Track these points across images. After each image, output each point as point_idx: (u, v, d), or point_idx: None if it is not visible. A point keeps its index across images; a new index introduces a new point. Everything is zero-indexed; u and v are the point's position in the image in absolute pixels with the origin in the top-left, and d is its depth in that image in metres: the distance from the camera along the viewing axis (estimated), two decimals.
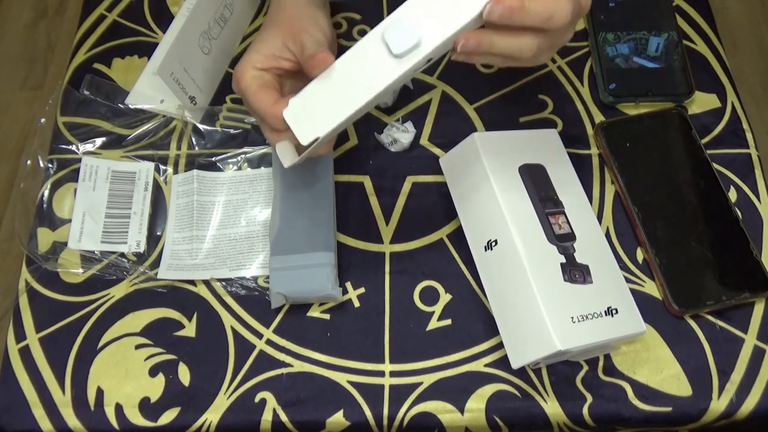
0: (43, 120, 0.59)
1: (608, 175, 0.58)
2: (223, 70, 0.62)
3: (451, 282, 0.54)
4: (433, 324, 0.53)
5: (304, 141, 0.44)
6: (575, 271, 0.48)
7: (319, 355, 0.52)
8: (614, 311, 0.48)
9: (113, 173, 0.57)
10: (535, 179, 0.52)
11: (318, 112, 0.44)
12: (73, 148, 0.59)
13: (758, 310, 0.53)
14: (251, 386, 0.50)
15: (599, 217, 0.56)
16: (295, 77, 0.51)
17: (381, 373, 0.51)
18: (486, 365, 0.51)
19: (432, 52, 0.42)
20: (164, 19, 0.65)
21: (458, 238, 0.55)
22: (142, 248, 0.55)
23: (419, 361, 0.51)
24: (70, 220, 0.56)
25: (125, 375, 0.51)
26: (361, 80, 0.43)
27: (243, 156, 0.59)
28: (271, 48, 0.49)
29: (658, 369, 0.51)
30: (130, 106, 0.60)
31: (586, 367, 0.51)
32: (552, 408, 0.50)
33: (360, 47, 0.43)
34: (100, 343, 0.52)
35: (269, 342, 0.52)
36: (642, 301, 0.51)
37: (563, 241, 0.49)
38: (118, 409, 0.50)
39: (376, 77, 0.43)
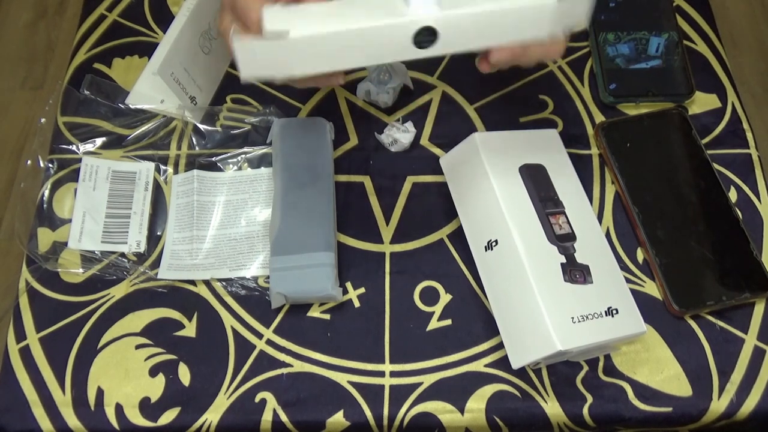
0: (43, 120, 0.59)
1: (608, 175, 0.58)
2: (223, 70, 0.62)
3: (451, 282, 0.54)
4: (433, 324, 0.53)
5: (269, 26, 0.39)
6: (575, 272, 0.48)
7: (319, 355, 0.52)
8: (614, 311, 0.48)
9: (113, 173, 0.57)
10: (536, 179, 0.52)
11: (302, 16, 0.40)
12: (73, 148, 0.59)
13: (758, 310, 0.53)
14: (251, 386, 0.50)
15: (599, 217, 0.56)
16: None
17: (381, 374, 0.51)
18: (486, 365, 0.51)
19: (440, 24, 0.41)
20: (164, 19, 0.65)
21: (458, 238, 0.55)
22: (142, 248, 0.55)
23: (419, 362, 0.51)
24: (70, 220, 0.56)
25: (125, 375, 0.51)
26: (364, 9, 0.40)
27: (243, 156, 0.59)
28: None
29: (659, 369, 0.51)
30: (131, 106, 0.60)
31: (586, 368, 0.51)
32: (552, 408, 0.50)
33: None
34: (100, 343, 0.52)
35: (269, 342, 0.52)
36: (642, 301, 0.51)
37: (563, 241, 0.49)
38: (118, 409, 0.50)
39: (382, 13, 0.40)
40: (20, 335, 0.52)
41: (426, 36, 0.41)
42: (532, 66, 0.48)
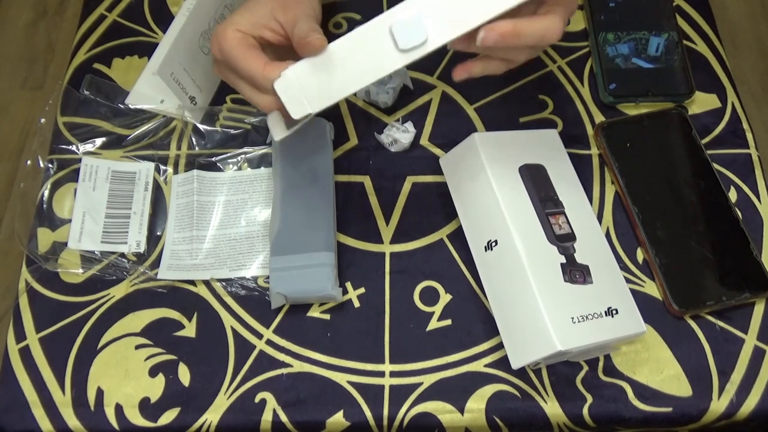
0: (43, 120, 0.59)
1: (608, 175, 0.58)
2: None
3: (451, 282, 0.54)
4: (433, 324, 0.53)
5: (296, 115, 0.45)
6: (575, 272, 0.48)
7: (319, 356, 0.52)
8: (614, 311, 0.48)
9: (113, 173, 0.57)
10: (536, 179, 0.52)
11: (312, 88, 0.44)
12: (73, 148, 0.59)
13: (758, 310, 0.53)
14: (251, 386, 0.50)
15: (599, 217, 0.56)
16: (276, 50, 0.49)
17: (381, 374, 0.51)
18: (486, 365, 0.51)
19: (434, 51, 0.43)
20: (164, 19, 0.65)
21: (458, 238, 0.55)
22: (142, 248, 0.55)
23: (419, 362, 0.51)
24: (70, 220, 0.56)
25: (125, 375, 0.51)
26: (362, 65, 0.44)
27: (243, 156, 0.59)
28: (257, 16, 0.47)
29: (658, 369, 0.51)
30: (130, 106, 0.60)
31: (586, 368, 0.51)
32: (552, 408, 0.50)
33: (363, 34, 0.44)
34: (100, 343, 0.52)
35: (269, 342, 0.52)
36: (642, 301, 0.51)
37: (563, 241, 0.49)
38: (118, 409, 0.50)
39: (378, 65, 0.44)
40: (20, 335, 0.52)
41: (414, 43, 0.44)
42: (528, 56, 0.46)
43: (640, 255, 0.55)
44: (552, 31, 0.43)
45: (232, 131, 0.59)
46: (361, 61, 0.44)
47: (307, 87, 0.44)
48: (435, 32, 0.43)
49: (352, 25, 0.64)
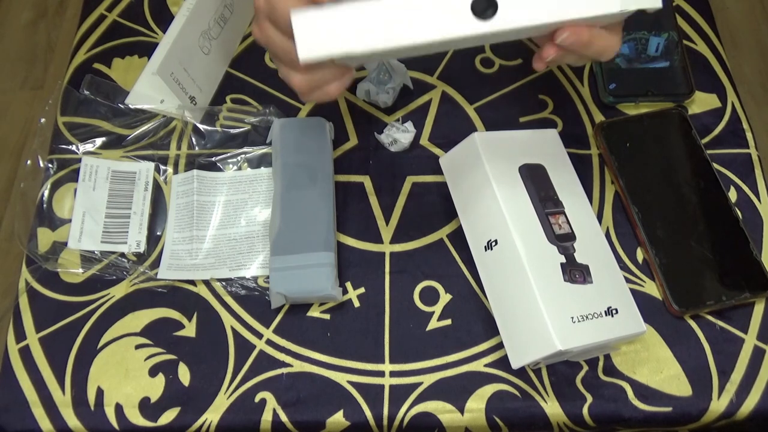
0: (43, 120, 0.59)
1: (608, 175, 0.58)
2: (223, 70, 0.62)
3: (451, 282, 0.54)
4: (433, 324, 0.53)
5: (303, 55, 0.37)
6: (575, 271, 0.48)
7: (319, 355, 0.52)
8: (614, 311, 0.48)
9: (113, 173, 0.58)
10: (535, 179, 0.52)
11: (340, 28, 0.37)
12: (73, 148, 0.59)
13: (758, 310, 0.53)
14: (251, 386, 0.50)
15: (599, 217, 0.56)
16: None
17: (381, 373, 0.51)
18: (486, 365, 0.51)
19: (508, 30, 0.38)
20: (164, 19, 0.65)
21: (458, 238, 0.55)
22: (142, 248, 0.55)
23: (419, 361, 0.51)
24: (70, 220, 0.56)
25: (125, 375, 0.51)
26: (422, 16, 0.37)
27: (243, 156, 0.59)
28: None
29: (658, 369, 0.51)
30: (130, 106, 0.60)
31: (586, 367, 0.51)
32: (552, 408, 0.50)
33: None
34: (100, 343, 0.52)
35: (269, 342, 0.52)
36: (642, 301, 0.51)
37: (563, 241, 0.49)
38: (118, 409, 0.50)
39: (445, 23, 0.37)
40: (20, 335, 0.52)
41: (484, 4, 0.38)
42: (574, 62, 0.46)
43: (640, 255, 0.55)
44: (611, 50, 0.44)
45: (232, 131, 0.59)
46: (422, 10, 0.36)
47: (336, 25, 0.37)
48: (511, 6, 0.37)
49: None
